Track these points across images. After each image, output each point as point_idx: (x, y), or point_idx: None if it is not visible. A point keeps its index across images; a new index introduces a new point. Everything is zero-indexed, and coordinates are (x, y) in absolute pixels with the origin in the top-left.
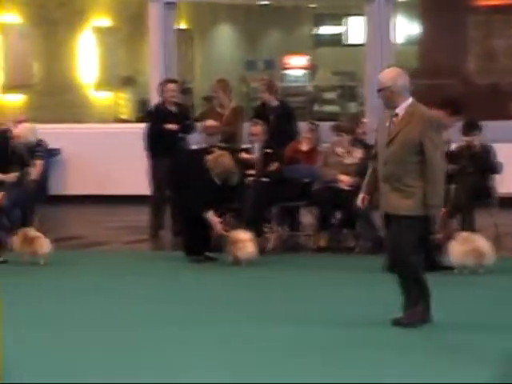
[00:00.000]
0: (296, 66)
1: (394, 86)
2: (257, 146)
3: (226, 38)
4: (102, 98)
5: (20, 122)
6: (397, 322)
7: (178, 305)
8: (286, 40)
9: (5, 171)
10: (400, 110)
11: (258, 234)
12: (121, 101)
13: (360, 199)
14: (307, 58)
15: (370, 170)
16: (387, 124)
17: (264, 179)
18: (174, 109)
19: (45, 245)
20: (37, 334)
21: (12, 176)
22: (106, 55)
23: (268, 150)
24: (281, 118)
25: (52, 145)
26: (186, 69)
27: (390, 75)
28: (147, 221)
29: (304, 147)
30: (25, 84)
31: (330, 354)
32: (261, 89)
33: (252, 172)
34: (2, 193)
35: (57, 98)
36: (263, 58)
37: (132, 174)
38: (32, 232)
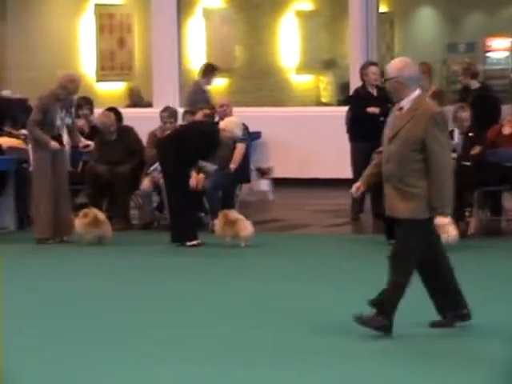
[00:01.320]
0: (499, 48)
1: (400, 76)
2: (459, 130)
3: (427, 21)
4: (303, 82)
5: (223, 107)
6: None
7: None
8: (488, 22)
9: (207, 159)
10: (405, 102)
11: (459, 218)
12: (322, 84)
13: (355, 187)
14: (511, 40)
15: (373, 162)
16: (392, 118)
17: (466, 163)
18: (375, 92)
19: (246, 227)
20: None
21: (213, 167)
22: (307, 39)
23: (470, 134)
24: (482, 101)
25: (253, 128)
26: (387, 52)
27: (397, 65)
28: (348, 204)
29: (506, 131)
30: (227, 68)
31: None
32: (460, 72)
33: (454, 156)
34: (203, 176)
35: (258, 81)
36: (465, 40)
37: (333, 157)
38: (234, 214)
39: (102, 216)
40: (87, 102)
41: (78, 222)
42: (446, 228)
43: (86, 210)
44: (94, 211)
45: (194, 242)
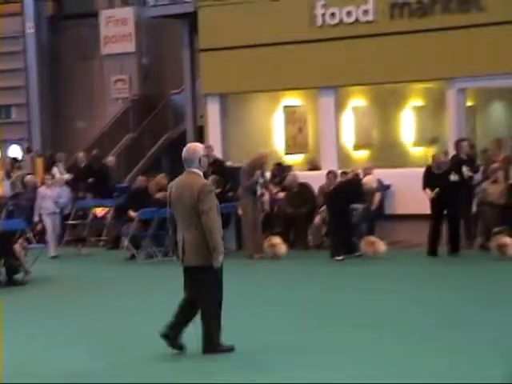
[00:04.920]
0: None
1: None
2: None
3: (497, 109)
4: (416, 151)
5: (366, 169)
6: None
7: None
8: None
9: (357, 202)
10: None
11: None
12: (430, 153)
13: None
14: None
15: None
16: None
17: None
18: (465, 158)
19: (382, 246)
20: None
21: (360, 207)
22: (419, 124)
23: None
24: None
25: (386, 182)
26: (472, 131)
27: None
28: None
29: None
30: (368, 144)
31: None
32: None
33: None
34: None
35: (388, 151)
36: None
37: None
38: (373, 238)
39: (275, 240)
40: (282, 169)
41: (265, 245)
42: None
43: (270, 237)
44: (273, 237)
45: (340, 258)
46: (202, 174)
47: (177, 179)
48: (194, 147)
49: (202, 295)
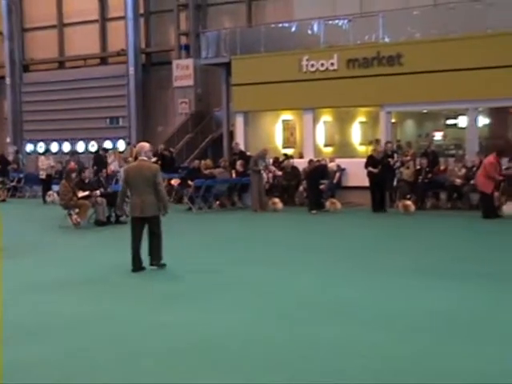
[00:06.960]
0: None
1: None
2: None
3: (410, 125)
4: (362, 148)
5: (331, 158)
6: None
7: None
8: None
9: (324, 179)
10: None
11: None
12: (369, 149)
13: None
14: None
15: None
16: None
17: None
18: (389, 152)
19: (339, 205)
20: None
21: (326, 181)
22: (363, 132)
23: None
24: None
25: (342, 166)
26: (394, 137)
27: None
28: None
29: None
30: (332, 143)
31: None
32: None
33: None
34: (323, 185)
35: (345, 148)
36: None
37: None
38: (333, 200)
39: (276, 200)
40: (286, 157)
41: (269, 203)
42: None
43: (272, 198)
44: (274, 198)
45: (314, 212)
46: (148, 160)
47: (131, 164)
48: (141, 145)
49: (157, 230)
